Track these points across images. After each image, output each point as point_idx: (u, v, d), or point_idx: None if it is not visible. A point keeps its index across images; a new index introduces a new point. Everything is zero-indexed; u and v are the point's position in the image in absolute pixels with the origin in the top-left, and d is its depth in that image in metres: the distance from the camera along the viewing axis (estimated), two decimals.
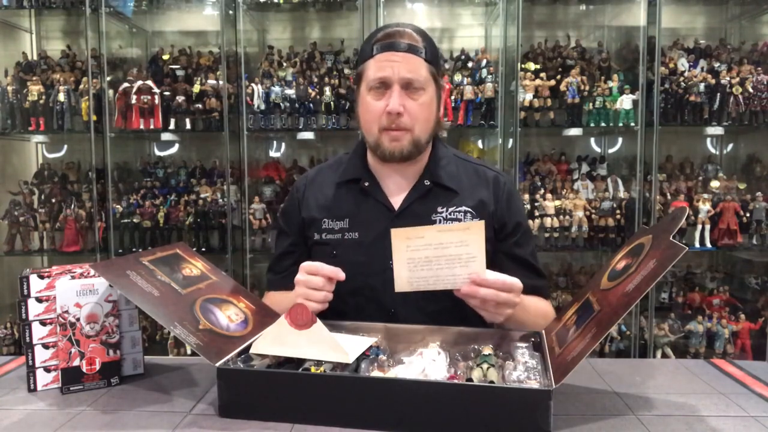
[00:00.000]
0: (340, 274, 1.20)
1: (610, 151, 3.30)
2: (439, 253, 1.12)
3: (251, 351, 1.07)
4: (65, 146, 3.36)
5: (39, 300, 1.15)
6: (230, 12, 3.00)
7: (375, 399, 0.95)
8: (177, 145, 3.35)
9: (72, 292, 1.13)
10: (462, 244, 1.10)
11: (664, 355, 2.92)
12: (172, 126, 3.03)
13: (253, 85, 2.98)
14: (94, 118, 2.96)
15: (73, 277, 1.16)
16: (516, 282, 1.15)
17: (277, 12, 3.34)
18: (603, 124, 2.93)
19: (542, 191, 3.00)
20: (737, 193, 2.97)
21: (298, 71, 3.06)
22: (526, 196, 2.97)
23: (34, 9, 3.10)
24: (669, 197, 2.96)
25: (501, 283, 1.13)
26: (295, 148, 3.38)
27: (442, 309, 1.29)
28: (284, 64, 3.09)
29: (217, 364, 1.00)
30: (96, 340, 1.15)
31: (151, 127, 2.97)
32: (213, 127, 3.01)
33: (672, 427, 0.97)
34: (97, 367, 1.15)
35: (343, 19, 3.29)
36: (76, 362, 1.13)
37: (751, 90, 2.86)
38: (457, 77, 2.96)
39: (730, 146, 3.31)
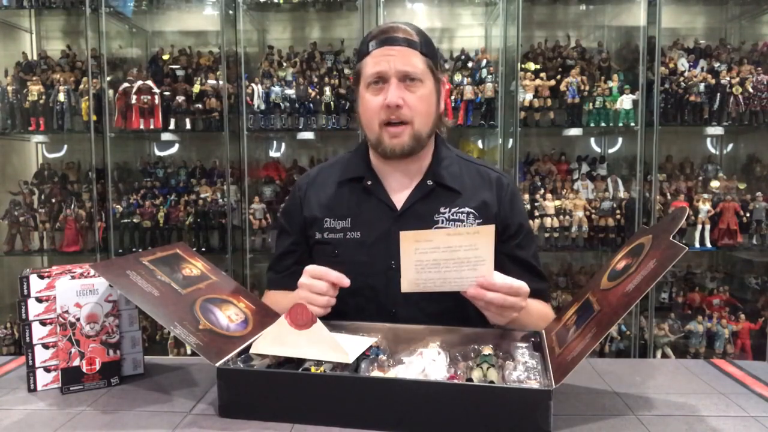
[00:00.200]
0: (344, 281, 1.19)
1: (610, 151, 3.30)
2: (448, 256, 1.12)
3: (251, 351, 1.07)
4: (65, 146, 3.36)
5: (39, 300, 1.15)
6: (230, 12, 3.00)
7: (375, 399, 0.95)
8: (177, 145, 3.35)
9: (72, 292, 1.13)
10: (471, 248, 1.10)
11: (664, 355, 2.92)
12: (172, 126, 3.03)
13: (253, 85, 2.98)
14: (94, 118, 2.96)
15: (73, 277, 1.16)
16: (523, 286, 1.15)
17: (277, 12, 3.34)
18: (603, 124, 2.93)
19: (542, 191, 3.00)
20: (737, 193, 2.97)
21: (298, 71, 3.06)
22: (526, 196, 2.97)
23: (34, 9, 3.10)
24: (669, 197, 2.96)
25: (508, 287, 1.13)
26: (295, 148, 3.38)
27: (444, 310, 1.29)
28: (284, 64, 3.09)
29: (217, 364, 1.00)
30: (96, 340, 1.15)
31: (151, 127, 2.97)
32: (213, 127, 3.01)
33: (672, 427, 0.97)
34: (97, 367, 1.15)
35: (343, 19, 3.29)
36: (76, 362, 1.13)
37: (751, 90, 2.86)
38: (457, 77, 2.96)
39: (730, 146, 3.31)
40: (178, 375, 1.22)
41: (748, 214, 2.92)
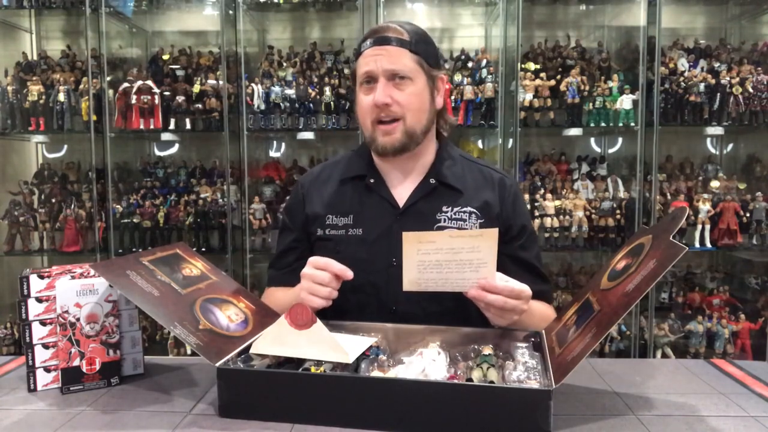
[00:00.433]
0: (348, 273, 1.19)
1: (610, 151, 3.30)
2: (450, 258, 1.12)
3: (251, 351, 1.07)
4: (65, 146, 3.36)
5: (39, 300, 1.15)
6: (230, 12, 3.00)
7: (375, 399, 0.95)
8: (177, 145, 3.35)
9: (72, 292, 1.13)
10: (474, 250, 1.11)
11: (664, 355, 2.92)
12: (172, 126, 3.03)
13: (253, 85, 2.98)
14: (94, 118, 2.96)
15: (73, 277, 1.16)
16: (525, 289, 1.15)
17: (277, 12, 3.34)
18: (603, 124, 2.93)
19: (542, 191, 3.00)
20: (737, 193, 2.97)
21: (298, 71, 3.06)
22: (526, 196, 2.97)
23: (34, 9, 3.10)
24: (669, 197, 2.96)
25: (509, 290, 1.13)
26: (295, 148, 3.38)
27: (445, 310, 1.29)
28: (284, 64, 3.09)
29: (217, 364, 1.00)
30: (96, 340, 1.15)
31: (151, 127, 2.97)
32: (213, 127, 3.01)
33: (672, 427, 0.97)
34: (97, 367, 1.15)
35: (343, 19, 3.29)
36: (76, 362, 1.13)
37: (751, 90, 2.86)
38: (457, 77, 2.96)
39: (730, 146, 3.31)
40: (178, 375, 1.22)
41: (748, 214, 2.92)
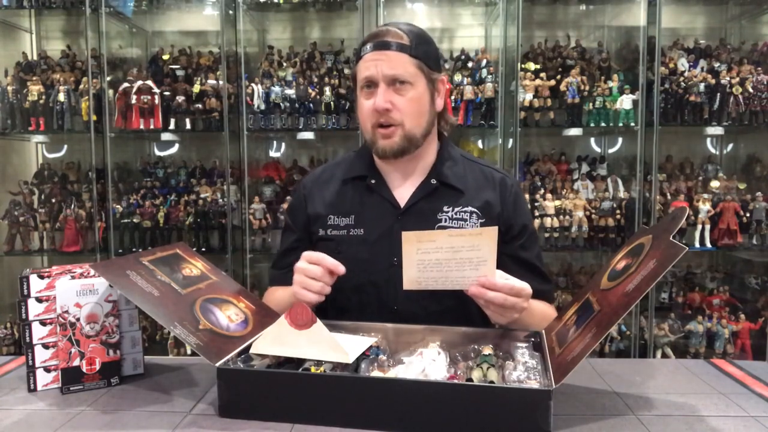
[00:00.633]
0: (340, 268, 1.20)
1: (610, 151, 3.30)
2: (450, 256, 1.12)
3: (251, 351, 1.07)
4: (65, 146, 3.36)
5: (39, 300, 1.15)
6: (230, 12, 3.00)
7: (375, 399, 0.95)
8: (177, 145, 3.35)
9: (72, 292, 1.13)
10: (473, 249, 1.11)
11: (664, 355, 2.92)
12: (172, 126, 3.03)
13: (253, 85, 2.98)
14: (94, 118, 2.95)
15: (73, 277, 1.16)
16: (525, 287, 1.16)
17: (277, 12, 3.34)
18: (603, 124, 2.93)
19: (542, 191, 3.00)
20: (737, 193, 2.97)
21: (298, 71, 3.06)
22: (526, 196, 2.97)
23: (34, 9, 3.10)
24: (669, 197, 2.95)
25: (509, 288, 1.13)
26: (295, 148, 3.37)
27: (446, 309, 1.29)
28: (284, 64, 3.09)
29: (217, 364, 1.00)
30: (96, 340, 1.15)
31: (151, 127, 2.97)
32: (213, 127, 3.01)
33: (672, 427, 0.97)
34: (97, 367, 1.15)
35: (343, 19, 3.29)
36: (76, 362, 1.13)
37: (751, 90, 2.86)
38: (457, 77, 2.96)
39: (730, 146, 3.31)
40: (178, 375, 1.23)
41: (748, 214, 2.92)
